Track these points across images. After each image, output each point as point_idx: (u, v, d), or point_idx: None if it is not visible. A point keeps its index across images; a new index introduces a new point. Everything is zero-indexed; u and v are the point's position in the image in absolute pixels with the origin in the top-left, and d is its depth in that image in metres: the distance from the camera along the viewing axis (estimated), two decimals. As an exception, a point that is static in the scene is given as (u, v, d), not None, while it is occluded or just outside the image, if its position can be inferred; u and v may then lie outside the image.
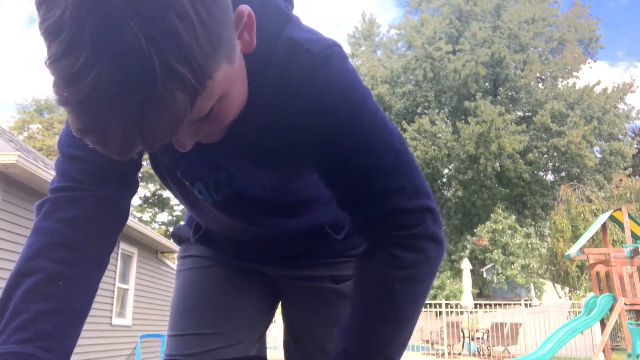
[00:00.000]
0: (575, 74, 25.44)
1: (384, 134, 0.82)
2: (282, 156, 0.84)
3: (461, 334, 14.39)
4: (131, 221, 9.97)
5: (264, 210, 0.98)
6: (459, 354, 14.29)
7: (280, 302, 1.24)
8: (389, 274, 0.83)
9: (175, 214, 30.43)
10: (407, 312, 0.85)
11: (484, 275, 24.72)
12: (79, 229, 0.84)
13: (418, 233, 0.84)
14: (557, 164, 24.91)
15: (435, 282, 21.64)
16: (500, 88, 24.80)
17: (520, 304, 16.29)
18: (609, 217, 9.77)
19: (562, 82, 25.46)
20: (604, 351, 8.29)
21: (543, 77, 25.66)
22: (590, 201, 17.24)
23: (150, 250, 11.20)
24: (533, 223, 23.47)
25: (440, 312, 14.72)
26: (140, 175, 0.88)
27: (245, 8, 0.68)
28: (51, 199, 0.86)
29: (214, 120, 0.69)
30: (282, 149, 0.83)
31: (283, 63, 0.77)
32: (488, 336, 13.65)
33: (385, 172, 0.82)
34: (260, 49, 0.75)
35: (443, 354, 13.83)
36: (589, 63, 25.96)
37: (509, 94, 24.64)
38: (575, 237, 14.45)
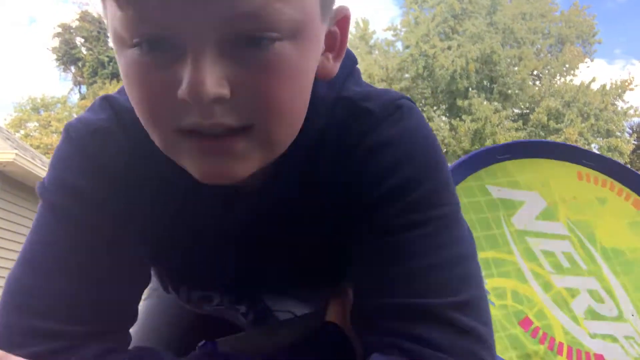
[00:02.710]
0: (573, 72, 25.49)
1: (448, 214, 0.61)
2: (325, 224, 0.67)
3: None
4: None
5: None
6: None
7: None
8: None
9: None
10: None
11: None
12: None
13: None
14: (554, 161, 24.98)
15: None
16: (495, 85, 24.84)
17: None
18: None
19: (560, 79, 25.51)
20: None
21: (540, 74, 25.70)
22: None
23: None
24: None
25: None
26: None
27: (347, 10, 0.59)
28: None
29: (261, 71, 0.48)
30: (323, 211, 0.66)
31: (341, 120, 0.63)
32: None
33: (439, 265, 0.58)
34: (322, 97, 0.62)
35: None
36: (586, 61, 26.01)
37: (503, 90, 24.67)
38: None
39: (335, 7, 0.57)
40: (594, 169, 0.77)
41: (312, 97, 0.57)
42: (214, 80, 0.46)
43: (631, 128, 26.90)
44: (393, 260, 0.59)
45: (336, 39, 0.58)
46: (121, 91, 0.65)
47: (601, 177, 0.87)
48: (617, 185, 0.88)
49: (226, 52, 0.47)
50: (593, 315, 0.88)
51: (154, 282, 0.94)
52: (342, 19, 0.58)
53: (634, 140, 26.21)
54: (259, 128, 0.50)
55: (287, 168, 0.61)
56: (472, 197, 0.85)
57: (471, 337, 0.55)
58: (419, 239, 0.59)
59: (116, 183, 0.62)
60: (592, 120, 23.02)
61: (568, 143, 0.94)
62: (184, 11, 0.44)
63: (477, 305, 0.58)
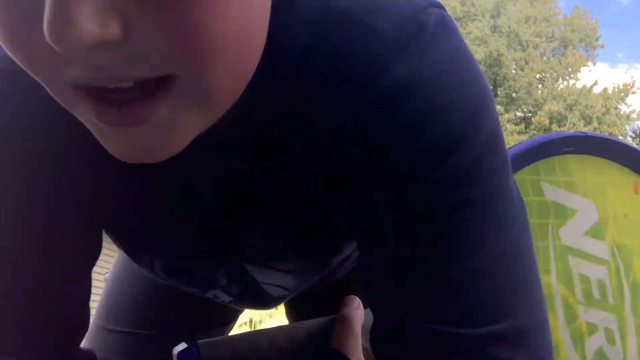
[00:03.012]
0: (575, 75, 25.54)
1: (502, 188, 0.41)
2: (313, 197, 0.47)
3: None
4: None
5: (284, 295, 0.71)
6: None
7: None
8: None
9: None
10: None
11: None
12: None
13: None
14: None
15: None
16: (499, 88, 24.87)
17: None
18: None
19: (562, 83, 25.57)
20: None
21: (544, 78, 25.73)
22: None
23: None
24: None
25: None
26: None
27: None
28: None
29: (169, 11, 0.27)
30: (313, 181, 0.46)
31: (331, 48, 0.40)
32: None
33: (482, 266, 0.39)
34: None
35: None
36: (589, 65, 26.07)
37: (507, 93, 24.73)
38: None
39: None
40: None
41: (282, 7, 0.37)
42: (89, 14, 0.25)
43: (634, 132, 26.93)
44: (419, 261, 0.40)
45: None
46: None
47: None
48: None
49: None
50: (600, 358, 0.78)
51: None
52: None
53: (637, 144, 26.24)
54: (185, 78, 0.30)
55: (247, 117, 0.41)
56: (523, 196, 0.68)
57: None
58: (460, 228, 0.39)
59: (36, 150, 0.45)
60: (595, 124, 23.04)
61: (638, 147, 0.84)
62: None
63: (538, 330, 0.40)
